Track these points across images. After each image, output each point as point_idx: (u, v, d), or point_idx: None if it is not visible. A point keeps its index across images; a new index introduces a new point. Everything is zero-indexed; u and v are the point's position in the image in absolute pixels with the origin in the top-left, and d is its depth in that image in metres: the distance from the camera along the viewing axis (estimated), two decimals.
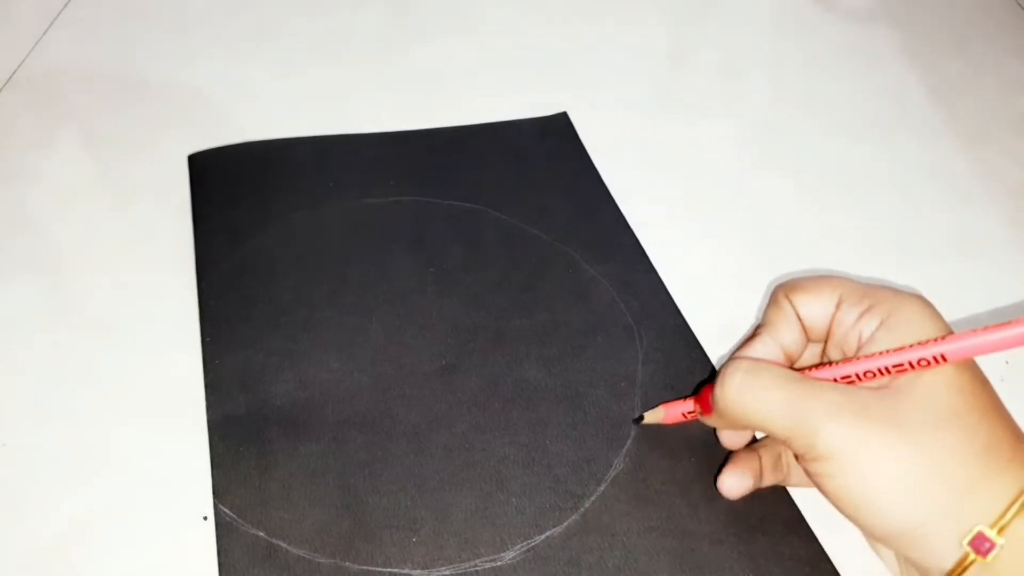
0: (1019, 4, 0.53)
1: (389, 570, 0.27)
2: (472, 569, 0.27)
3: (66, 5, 0.51)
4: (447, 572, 0.27)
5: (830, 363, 0.25)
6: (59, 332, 0.34)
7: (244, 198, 0.39)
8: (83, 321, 0.34)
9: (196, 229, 0.38)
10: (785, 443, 0.24)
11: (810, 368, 0.26)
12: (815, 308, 0.26)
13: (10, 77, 0.46)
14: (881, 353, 0.23)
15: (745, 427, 0.27)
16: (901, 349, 0.23)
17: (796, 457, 0.24)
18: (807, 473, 0.24)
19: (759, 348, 0.27)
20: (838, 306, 0.26)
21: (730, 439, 0.29)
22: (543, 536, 0.28)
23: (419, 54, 0.48)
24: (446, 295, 0.35)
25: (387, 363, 0.33)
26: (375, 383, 0.32)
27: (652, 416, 0.30)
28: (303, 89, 0.46)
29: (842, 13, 0.52)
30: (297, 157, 0.41)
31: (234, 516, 0.28)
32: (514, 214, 0.39)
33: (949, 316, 0.35)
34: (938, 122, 0.45)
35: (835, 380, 0.24)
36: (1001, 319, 0.36)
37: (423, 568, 0.27)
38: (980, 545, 0.20)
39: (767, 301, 0.28)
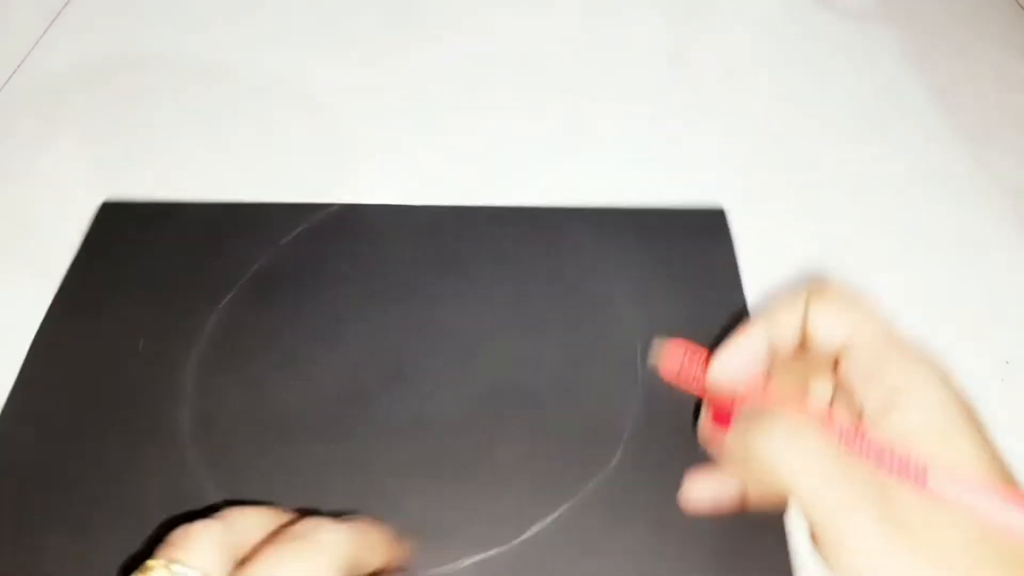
0: (1019, 4, 0.53)
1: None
2: None
3: (66, 5, 0.51)
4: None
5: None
6: None
7: None
8: None
9: None
10: (803, 510, 0.23)
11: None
12: (825, 326, 0.25)
13: (10, 77, 0.46)
14: (883, 450, 0.22)
15: (759, 477, 0.25)
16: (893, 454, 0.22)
17: (811, 534, 0.23)
18: (815, 545, 0.23)
19: (746, 339, 0.26)
20: (848, 348, 0.24)
21: (713, 434, 0.27)
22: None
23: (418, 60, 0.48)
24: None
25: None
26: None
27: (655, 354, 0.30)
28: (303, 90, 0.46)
29: (842, 13, 0.52)
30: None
31: None
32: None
33: (950, 316, 0.36)
34: (938, 122, 0.45)
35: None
36: (1001, 319, 0.36)
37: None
38: None
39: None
